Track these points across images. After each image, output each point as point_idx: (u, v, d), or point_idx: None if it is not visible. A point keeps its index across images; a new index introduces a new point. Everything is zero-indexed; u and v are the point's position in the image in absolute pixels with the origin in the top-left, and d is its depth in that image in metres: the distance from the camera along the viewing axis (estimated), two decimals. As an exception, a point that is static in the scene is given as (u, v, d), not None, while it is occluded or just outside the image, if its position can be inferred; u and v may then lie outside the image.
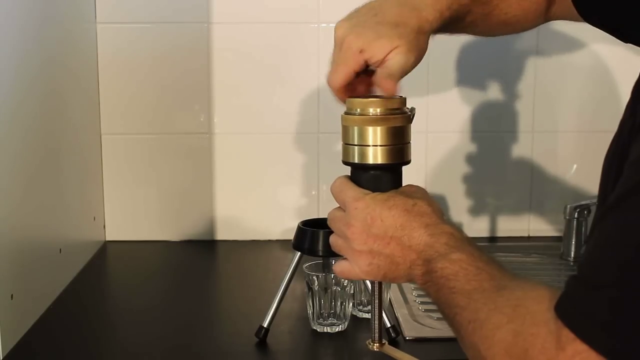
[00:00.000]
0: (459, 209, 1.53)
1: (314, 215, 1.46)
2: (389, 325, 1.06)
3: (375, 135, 0.75)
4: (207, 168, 1.51)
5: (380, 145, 0.75)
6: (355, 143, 0.76)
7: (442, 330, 1.09)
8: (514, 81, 1.52)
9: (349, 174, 0.78)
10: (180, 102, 1.49)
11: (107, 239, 1.52)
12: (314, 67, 1.48)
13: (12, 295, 1.01)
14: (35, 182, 1.13)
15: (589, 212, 1.38)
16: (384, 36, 0.76)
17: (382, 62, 0.76)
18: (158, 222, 1.53)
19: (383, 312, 0.86)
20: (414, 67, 0.78)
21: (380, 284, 0.79)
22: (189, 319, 1.15)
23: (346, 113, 0.77)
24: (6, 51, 1.01)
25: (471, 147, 1.53)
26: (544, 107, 1.53)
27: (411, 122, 0.77)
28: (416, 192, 0.75)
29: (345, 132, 0.77)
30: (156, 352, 1.05)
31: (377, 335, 0.80)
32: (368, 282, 1.06)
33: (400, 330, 1.08)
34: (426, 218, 0.72)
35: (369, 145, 0.75)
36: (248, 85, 1.49)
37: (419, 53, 0.78)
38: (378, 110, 0.75)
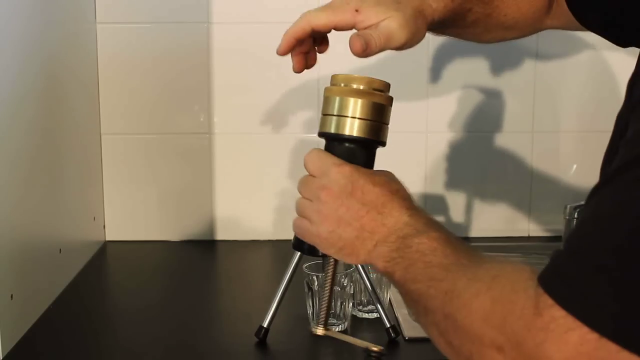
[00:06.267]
0: (459, 208, 1.53)
1: (314, 215, 1.46)
2: (388, 325, 1.06)
3: (355, 107, 0.75)
4: (207, 168, 1.51)
5: (359, 118, 0.75)
6: (335, 113, 0.76)
7: (442, 330, 1.09)
8: (513, 81, 1.52)
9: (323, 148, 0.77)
10: (180, 102, 1.49)
11: (107, 239, 1.52)
12: (314, 67, 1.47)
13: (12, 295, 1.01)
14: (35, 182, 1.12)
15: (589, 212, 1.38)
16: (382, 4, 0.77)
17: (371, 29, 0.76)
18: (158, 222, 1.53)
19: (333, 298, 0.85)
20: (403, 46, 0.78)
21: (335, 263, 0.78)
22: (188, 319, 1.15)
23: (330, 85, 0.77)
24: (6, 51, 1.01)
25: (471, 147, 1.53)
26: (544, 107, 1.53)
27: (391, 105, 0.77)
28: (394, 178, 0.75)
29: (326, 103, 0.77)
30: (156, 352, 1.05)
31: (323, 318, 0.79)
32: (367, 282, 1.07)
33: (400, 330, 1.08)
34: (407, 202, 0.72)
35: (347, 117, 0.75)
36: (248, 85, 1.49)
37: (412, 34, 0.78)
38: (361, 86, 0.75)
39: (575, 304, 0.52)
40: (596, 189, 0.57)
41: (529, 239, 1.55)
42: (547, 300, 0.53)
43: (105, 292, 1.32)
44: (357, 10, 0.77)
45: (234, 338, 1.09)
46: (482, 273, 0.61)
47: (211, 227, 1.53)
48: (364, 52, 0.75)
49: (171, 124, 1.50)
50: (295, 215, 0.78)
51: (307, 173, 0.77)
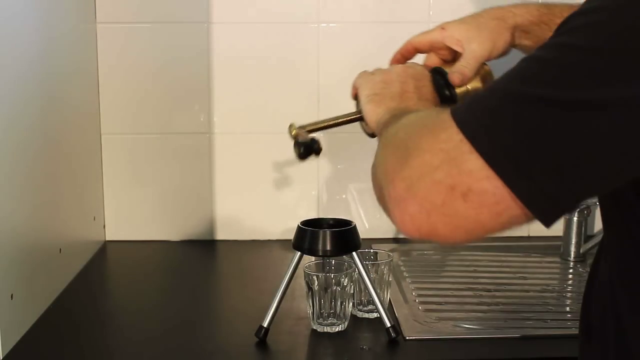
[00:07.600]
0: (459, 208, 1.53)
1: (314, 215, 1.46)
2: (388, 325, 1.06)
3: (473, 85, 0.95)
4: (207, 168, 1.51)
5: (468, 90, 0.95)
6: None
7: (442, 330, 1.09)
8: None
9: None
10: (180, 102, 1.49)
11: (107, 239, 1.52)
12: (314, 67, 1.48)
13: (12, 295, 1.01)
14: (35, 182, 1.13)
15: (589, 212, 1.39)
16: (464, 23, 0.95)
17: (456, 43, 0.94)
18: (158, 222, 1.53)
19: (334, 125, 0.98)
20: (490, 56, 0.95)
21: (359, 114, 0.91)
22: (188, 319, 1.15)
23: None
24: (6, 51, 1.01)
25: (471, 147, 1.53)
26: (544, 107, 1.52)
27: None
28: None
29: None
30: (156, 352, 1.05)
31: (312, 127, 0.96)
32: (367, 282, 1.07)
33: (400, 330, 1.08)
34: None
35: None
36: (248, 85, 1.49)
37: (493, 42, 0.94)
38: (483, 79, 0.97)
39: (459, 111, 0.61)
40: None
41: (529, 238, 1.55)
42: (451, 121, 0.62)
43: (105, 292, 1.33)
44: (443, 28, 0.95)
45: (234, 338, 1.09)
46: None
47: (211, 227, 1.53)
48: (463, 81, 0.93)
49: (171, 124, 1.50)
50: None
51: None
